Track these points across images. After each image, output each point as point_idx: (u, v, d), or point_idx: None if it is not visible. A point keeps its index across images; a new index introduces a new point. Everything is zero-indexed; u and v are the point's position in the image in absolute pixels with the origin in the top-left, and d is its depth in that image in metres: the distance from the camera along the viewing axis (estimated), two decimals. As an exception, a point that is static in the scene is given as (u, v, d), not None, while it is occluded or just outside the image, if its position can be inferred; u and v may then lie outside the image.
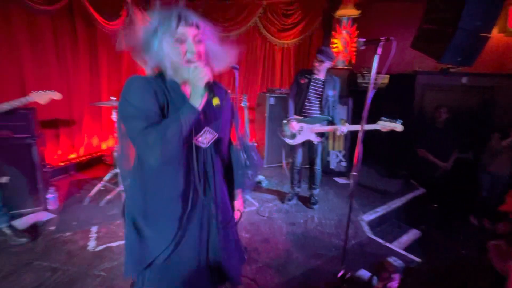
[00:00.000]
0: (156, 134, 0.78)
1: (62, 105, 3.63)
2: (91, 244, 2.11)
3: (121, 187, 2.89)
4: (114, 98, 2.92)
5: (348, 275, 1.73)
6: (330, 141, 4.11)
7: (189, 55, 0.84)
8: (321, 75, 2.65)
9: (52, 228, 2.32)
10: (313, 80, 2.67)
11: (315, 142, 2.72)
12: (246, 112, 3.90)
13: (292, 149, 2.88)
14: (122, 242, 2.12)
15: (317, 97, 2.68)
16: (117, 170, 2.97)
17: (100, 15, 3.95)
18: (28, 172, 2.50)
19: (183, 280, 0.92)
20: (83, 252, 2.01)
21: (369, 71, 1.59)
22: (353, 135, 4.02)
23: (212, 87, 0.84)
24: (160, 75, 0.88)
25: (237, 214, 1.14)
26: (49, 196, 2.63)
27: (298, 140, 2.74)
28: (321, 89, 2.67)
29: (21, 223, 2.31)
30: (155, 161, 0.80)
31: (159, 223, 0.91)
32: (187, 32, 0.84)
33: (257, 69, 4.83)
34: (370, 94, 1.60)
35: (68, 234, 2.24)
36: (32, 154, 2.50)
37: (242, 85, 4.84)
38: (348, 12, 4.07)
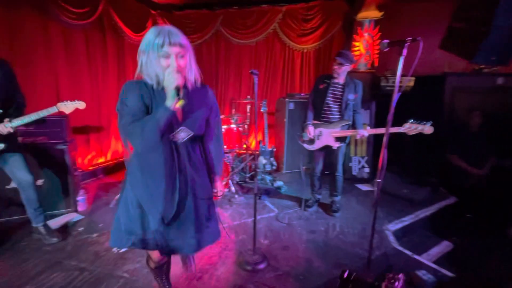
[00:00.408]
0: (138, 128, 1.02)
1: (92, 112, 3.86)
2: (116, 246, 2.19)
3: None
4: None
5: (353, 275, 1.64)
6: (352, 146, 3.98)
7: (170, 68, 1.04)
8: (340, 79, 2.60)
9: (81, 229, 2.44)
10: (332, 84, 2.61)
11: (334, 147, 2.65)
12: (265, 117, 3.91)
13: (311, 155, 2.83)
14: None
15: (337, 101, 2.62)
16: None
17: (128, 27, 4.19)
18: (61, 175, 2.67)
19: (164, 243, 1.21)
20: (108, 253, 2.09)
21: (393, 74, 1.53)
22: (376, 140, 3.87)
23: (179, 91, 1.02)
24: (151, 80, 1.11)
25: (219, 193, 1.48)
26: (79, 198, 2.78)
27: (317, 145, 2.69)
28: (340, 93, 2.61)
29: (54, 223, 2.46)
30: (138, 149, 1.11)
31: (151, 197, 1.16)
32: (171, 50, 1.04)
33: (276, 74, 4.84)
34: (395, 97, 1.53)
35: (95, 235, 2.34)
36: (64, 158, 2.67)
37: (261, 91, 4.87)
38: (370, 14, 3.97)
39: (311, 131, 2.62)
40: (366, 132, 2.49)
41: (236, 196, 3.21)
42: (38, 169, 2.53)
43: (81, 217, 2.65)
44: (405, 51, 1.47)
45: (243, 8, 4.66)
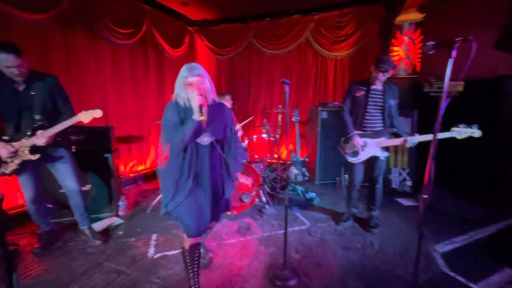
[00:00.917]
0: (175, 134, 1.47)
1: (134, 122, 4.17)
2: (151, 251, 2.27)
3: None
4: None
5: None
6: (392, 157, 3.71)
7: (193, 93, 1.46)
8: (379, 85, 2.46)
9: (121, 232, 2.59)
10: (371, 91, 2.47)
11: (381, 158, 2.48)
12: (297, 126, 3.84)
13: (351, 166, 2.62)
14: (177, 251, 2.24)
15: (378, 109, 2.47)
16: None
17: (167, 44, 4.50)
18: (105, 181, 2.89)
19: (195, 212, 1.57)
20: (144, 258, 2.18)
21: (439, 79, 1.39)
22: (419, 150, 3.56)
23: (201, 108, 1.44)
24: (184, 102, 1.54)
25: (248, 181, 2.02)
26: (120, 203, 2.97)
27: (363, 157, 2.50)
28: (381, 100, 2.46)
29: (97, 226, 2.64)
30: (177, 148, 1.51)
31: (182, 184, 1.55)
32: (193, 80, 1.47)
33: (308, 83, 4.76)
34: (443, 104, 1.38)
35: (132, 239, 2.46)
36: (109, 166, 2.89)
37: (293, 100, 4.83)
38: (410, 16, 3.74)
39: (359, 142, 2.45)
40: (416, 139, 2.30)
41: (267, 206, 3.16)
42: (85, 175, 2.77)
43: (121, 221, 2.82)
44: (454, 53, 1.33)
45: (275, 20, 4.72)
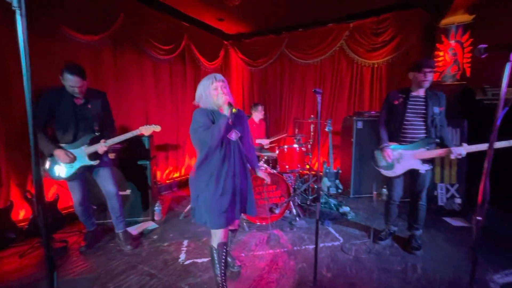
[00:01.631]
0: (209, 132, 1.62)
1: (172, 132, 4.41)
2: (182, 257, 2.33)
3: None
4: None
5: None
6: (438, 171, 3.37)
7: (219, 94, 1.67)
8: (420, 92, 2.26)
9: (155, 237, 2.71)
10: (410, 98, 2.28)
11: (422, 171, 2.26)
12: (330, 137, 3.71)
13: (389, 179, 2.44)
14: (206, 259, 2.27)
15: (420, 116, 2.26)
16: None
17: (204, 58, 4.74)
18: (143, 187, 3.07)
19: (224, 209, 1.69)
20: (175, 263, 2.24)
21: (494, 85, 1.23)
22: (470, 163, 3.19)
23: (231, 103, 1.66)
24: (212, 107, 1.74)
25: (267, 177, 2.03)
26: (156, 208, 3.12)
27: (398, 170, 2.32)
28: (423, 107, 2.25)
29: (133, 229, 2.80)
30: (211, 144, 1.64)
31: (214, 180, 1.69)
32: (219, 84, 1.68)
33: (342, 92, 4.61)
34: (501, 113, 1.22)
35: (165, 244, 2.56)
36: (147, 172, 3.07)
37: (326, 109, 4.70)
38: (457, 19, 3.45)
39: (390, 154, 2.29)
40: (463, 149, 2.05)
41: (297, 219, 3.06)
42: (125, 181, 2.98)
43: (156, 226, 2.95)
44: None
45: (308, 30, 4.71)
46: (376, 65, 4.26)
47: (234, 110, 1.64)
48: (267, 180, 1.99)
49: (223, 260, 1.74)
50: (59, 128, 2.21)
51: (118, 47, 3.48)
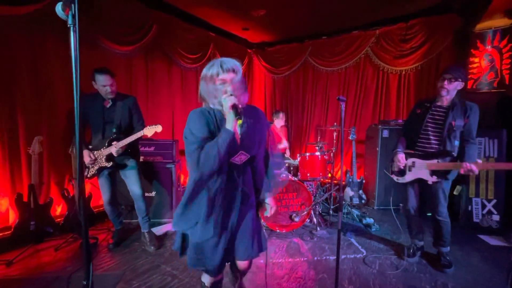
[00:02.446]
0: (203, 154, 1.11)
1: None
2: (202, 260, 2.37)
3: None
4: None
5: None
6: (472, 185, 3.15)
7: (226, 94, 1.14)
8: (444, 101, 2.14)
9: (177, 238, 2.79)
10: (432, 108, 2.18)
11: (429, 182, 2.16)
12: (354, 145, 3.63)
13: (403, 189, 2.38)
14: (227, 263, 2.29)
15: (437, 128, 2.14)
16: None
17: (228, 65, 4.87)
18: (168, 190, 3.19)
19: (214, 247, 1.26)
20: (195, 265, 2.29)
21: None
22: (511, 177, 2.95)
23: (237, 110, 1.10)
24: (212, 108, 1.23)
25: (271, 209, 1.46)
26: (178, 211, 3.22)
27: (408, 177, 2.27)
28: (442, 118, 2.13)
29: (158, 230, 2.91)
30: (202, 170, 1.14)
31: (205, 220, 1.23)
32: (225, 76, 1.15)
33: (368, 100, 4.49)
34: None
35: (187, 246, 2.62)
36: (172, 176, 3.19)
37: (350, 117, 4.60)
38: (495, 23, 3.24)
39: (400, 158, 2.23)
40: (474, 166, 1.90)
41: (318, 228, 3.00)
42: (151, 183, 3.12)
43: (178, 228, 3.04)
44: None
45: (332, 37, 4.68)
46: (403, 72, 4.12)
47: (239, 121, 1.12)
48: (269, 212, 1.46)
49: None
50: (92, 131, 2.39)
51: (149, 57, 3.70)
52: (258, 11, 3.81)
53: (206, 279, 1.43)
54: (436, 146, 2.15)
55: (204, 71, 1.21)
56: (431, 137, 2.17)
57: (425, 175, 2.17)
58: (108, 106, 2.36)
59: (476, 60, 3.39)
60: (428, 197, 2.27)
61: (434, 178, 2.14)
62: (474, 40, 3.40)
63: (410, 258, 2.39)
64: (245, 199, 1.30)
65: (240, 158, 1.22)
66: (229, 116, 1.11)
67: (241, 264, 1.41)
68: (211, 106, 1.23)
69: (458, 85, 2.07)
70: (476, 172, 1.93)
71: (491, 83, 3.32)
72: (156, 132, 2.35)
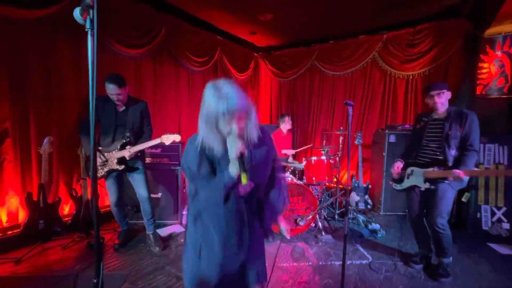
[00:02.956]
0: (202, 192, 1.10)
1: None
2: (206, 262, 2.38)
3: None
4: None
5: None
6: (481, 192, 3.09)
7: (232, 136, 1.03)
8: (441, 114, 2.20)
9: (182, 240, 2.80)
10: (430, 122, 2.25)
11: (422, 189, 2.22)
12: (360, 150, 3.61)
13: (407, 196, 2.41)
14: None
15: (437, 140, 2.18)
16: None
17: (235, 69, 4.92)
18: (173, 191, 3.21)
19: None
20: (200, 267, 2.29)
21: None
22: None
23: (243, 162, 1.00)
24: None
25: (286, 231, 1.38)
26: (184, 212, 3.24)
27: (405, 184, 2.34)
28: (440, 129, 2.17)
29: (162, 232, 2.93)
30: (202, 205, 1.12)
31: (211, 248, 1.15)
32: (235, 116, 1.01)
33: (374, 105, 4.46)
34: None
35: (191, 248, 2.63)
36: (177, 178, 3.21)
37: (356, 122, 4.58)
38: (505, 28, 3.21)
39: (398, 166, 2.35)
40: (462, 173, 1.90)
41: (323, 233, 2.98)
42: (157, 184, 3.15)
43: (183, 229, 3.05)
44: None
45: (339, 41, 4.68)
46: (411, 77, 4.09)
47: (244, 178, 1.00)
48: (285, 233, 1.39)
49: None
50: (102, 132, 2.43)
51: (157, 60, 3.76)
52: (265, 15, 3.84)
53: None
54: (435, 156, 2.18)
55: (209, 97, 1.01)
56: (431, 148, 2.22)
57: (419, 182, 2.22)
58: (120, 110, 2.41)
59: (486, 65, 3.36)
60: (422, 203, 2.31)
61: (427, 185, 2.18)
62: (484, 45, 3.36)
63: (417, 266, 2.35)
64: (251, 228, 1.19)
65: (244, 188, 1.09)
66: (234, 164, 1.03)
67: None
68: (206, 142, 1.06)
69: (447, 95, 2.14)
70: (464, 178, 1.96)
71: (501, 88, 3.28)
72: (174, 141, 2.40)
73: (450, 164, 2.08)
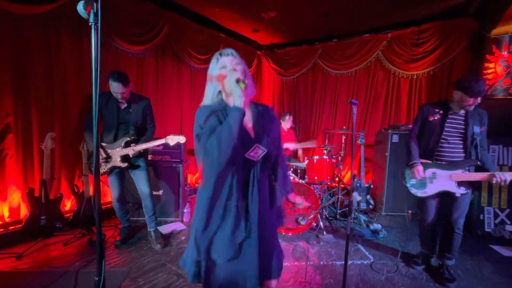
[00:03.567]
0: (214, 139, 1.00)
1: (203, 137, 4.57)
2: (207, 260, 2.37)
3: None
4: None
5: None
6: (484, 194, 3.07)
7: (228, 73, 1.09)
8: (460, 109, 2.06)
9: (183, 238, 2.80)
10: (449, 116, 2.06)
11: (457, 195, 2.03)
12: (362, 149, 3.59)
13: (422, 201, 2.24)
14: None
15: (459, 136, 2.05)
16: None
17: (237, 67, 4.89)
18: (174, 189, 3.20)
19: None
20: (201, 265, 2.29)
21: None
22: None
23: (241, 81, 1.03)
24: (221, 103, 1.15)
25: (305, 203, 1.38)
26: (185, 210, 3.24)
27: (430, 190, 2.11)
28: (462, 126, 2.04)
29: (163, 229, 2.92)
30: (219, 159, 1.02)
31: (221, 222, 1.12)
32: (225, 60, 1.12)
33: (377, 104, 4.43)
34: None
35: (192, 246, 2.62)
36: (179, 175, 3.21)
37: (358, 121, 4.55)
38: (511, 28, 3.18)
39: (420, 170, 2.09)
40: (508, 175, 1.84)
41: (325, 232, 2.96)
42: (158, 181, 3.14)
43: (184, 227, 3.05)
44: None
45: (342, 40, 4.65)
46: (415, 77, 4.06)
47: (242, 85, 1.02)
48: (304, 205, 1.39)
49: None
50: (105, 129, 2.42)
51: (160, 57, 3.74)
52: (269, 13, 3.81)
53: None
54: (460, 155, 2.05)
55: (208, 71, 1.17)
56: (453, 146, 2.07)
57: (452, 187, 2.03)
58: (123, 107, 2.40)
59: (492, 65, 3.32)
60: (447, 208, 2.14)
61: (463, 190, 2.02)
62: (490, 45, 3.32)
63: (419, 267, 2.33)
64: (266, 203, 1.19)
65: (256, 152, 1.10)
66: (236, 92, 1.02)
67: (272, 283, 1.28)
68: (215, 100, 1.17)
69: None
70: (508, 181, 1.83)
71: (507, 89, 3.24)
72: (178, 143, 2.41)
73: (479, 164, 2.01)
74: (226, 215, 1.10)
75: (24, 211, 2.62)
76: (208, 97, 1.16)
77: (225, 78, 1.08)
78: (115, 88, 2.27)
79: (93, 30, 0.73)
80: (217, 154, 1.00)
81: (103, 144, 2.39)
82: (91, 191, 3.04)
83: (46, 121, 2.72)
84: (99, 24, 0.72)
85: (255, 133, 1.14)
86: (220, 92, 1.16)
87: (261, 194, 1.14)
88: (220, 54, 1.13)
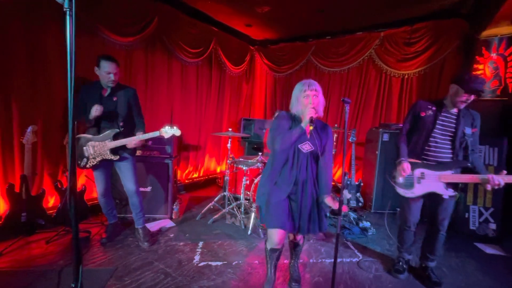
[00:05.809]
0: (280, 136, 1.70)
1: (194, 133, 4.49)
2: (196, 258, 2.34)
3: (226, 210, 3.17)
4: (230, 129, 3.33)
5: None
6: (470, 193, 3.14)
7: (309, 105, 1.68)
8: (453, 108, 2.02)
9: (171, 235, 2.75)
10: (442, 114, 2.01)
11: (445, 196, 1.98)
12: (353, 147, 3.60)
13: (406, 201, 2.15)
14: (220, 263, 2.26)
15: (448, 136, 2.00)
16: (225, 193, 3.29)
17: (230, 62, 4.81)
18: (163, 185, 3.14)
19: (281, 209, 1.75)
20: (189, 264, 2.25)
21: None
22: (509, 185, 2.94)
23: (313, 121, 1.65)
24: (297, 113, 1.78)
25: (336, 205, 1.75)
26: (174, 207, 3.18)
27: (418, 191, 2.03)
28: (453, 125, 1.99)
29: (151, 226, 2.86)
30: (277, 147, 1.71)
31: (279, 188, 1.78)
32: (310, 93, 1.70)
33: (369, 103, 4.45)
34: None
35: (181, 244, 2.58)
36: (168, 171, 3.14)
37: (350, 120, 4.56)
38: (501, 30, 3.22)
39: (405, 168, 2.00)
40: (501, 179, 1.78)
41: (315, 230, 2.97)
42: (147, 177, 3.06)
43: (173, 224, 3.00)
44: None
45: (336, 37, 4.63)
46: (406, 76, 4.08)
47: (311, 127, 1.63)
48: (335, 207, 1.73)
49: (273, 265, 1.83)
50: (87, 119, 2.30)
51: (149, 49, 3.63)
52: (262, 8, 3.74)
53: (269, 243, 1.79)
54: (448, 156, 2.01)
55: (298, 86, 1.76)
56: (441, 145, 2.01)
57: (439, 188, 1.98)
58: (105, 95, 2.30)
59: (481, 67, 3.37)
60: (432, 210, 2.11)
61: (451, 192, 1.98)
62: (480, 46, 3.37)
63: (401, 275, 2.21)
64: (311, 183, 1.76)
65: (306, 146, 1.73)
66: (305, 122, 1.66)
67: (297, 237, 1.97)
68: (294, 112, 1.77)
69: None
70: (503, 185, 1.78)
71: (494, 90, 3.30)
72: (183, 130, 2.33)
73: (469, 166, 1.95)
74: (282, 175, 1.76)
75: (3, 208, 2.50)
76: (293, 108, 1.78)
77: (305, 107, 1.68)
78: (110, 67, 2.19)
79: (67, 16, 0.67)
80: (278, 145, 1.69)
81: (89, 136, 2.30)
82: (77, 186, 2.95)
83: (28, 113, 2.59)
84: (73, 11, 0.66)
85: (310, 135, 1.74)
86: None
87: (307, 173, 1.75)
88: (308, 86, 1.69)
